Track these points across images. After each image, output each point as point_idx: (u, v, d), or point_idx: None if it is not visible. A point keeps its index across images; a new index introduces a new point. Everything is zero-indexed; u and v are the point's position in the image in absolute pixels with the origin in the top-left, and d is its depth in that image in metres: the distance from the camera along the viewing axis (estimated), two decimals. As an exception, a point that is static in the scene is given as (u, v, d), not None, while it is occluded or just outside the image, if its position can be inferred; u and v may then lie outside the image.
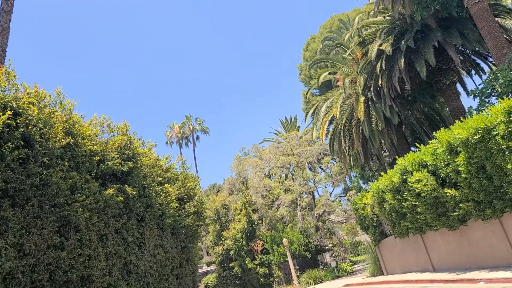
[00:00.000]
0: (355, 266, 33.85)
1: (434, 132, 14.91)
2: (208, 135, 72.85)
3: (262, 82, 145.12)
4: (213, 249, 36.19)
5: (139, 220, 11.44)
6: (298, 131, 43.90)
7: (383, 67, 20.87)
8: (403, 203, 16.82)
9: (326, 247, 33.60)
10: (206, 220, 16.59)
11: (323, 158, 34.81)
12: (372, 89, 22.98)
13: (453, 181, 14.02)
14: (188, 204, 14.43)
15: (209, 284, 37.20)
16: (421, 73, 20.02)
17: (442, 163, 14.35)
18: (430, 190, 14.90)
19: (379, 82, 21.63)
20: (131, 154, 11.01)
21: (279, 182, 39.86)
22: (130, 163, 10.70)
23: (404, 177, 16.48)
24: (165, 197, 12.90)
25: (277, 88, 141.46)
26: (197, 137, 72.01)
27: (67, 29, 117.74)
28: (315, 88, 33.49)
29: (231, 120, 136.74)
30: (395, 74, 20.82)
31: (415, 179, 15.34)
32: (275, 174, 38.63)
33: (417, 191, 15.41)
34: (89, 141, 9.65)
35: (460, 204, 13.85)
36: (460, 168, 13.17)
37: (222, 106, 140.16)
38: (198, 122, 72.07)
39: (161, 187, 12.77)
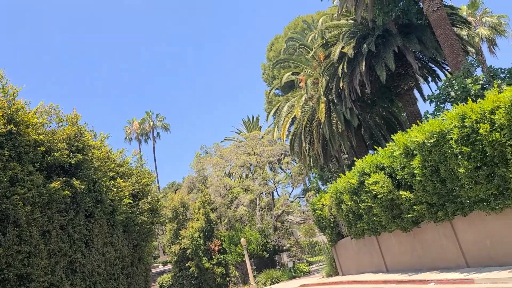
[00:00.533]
0: (311, 266, 34.08)
1: (392, 136, 15.12)
2: (168, 132, 71.57)
3: (226, 81, 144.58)
4: (170, 248, 35.44)
5: (87, 216, 10.82)
6: (260, 131, 43.83)
7: (345, 69, 21.07)
8: (360, 205, 16.97)
9: (284, 248, 33.67)
10: (162, 218, 16.03)
11: (283, 158, 34.86)
12: (333, 91, 23.16)
13: (408, 183, 14.24)
14: (143, 201, 13.85)
15: (164, 284, 36.40)
16: (381, 77, 20.35)
17: (398, 166, 14.56)
18: (386, 192, 15.10)
19: (341, 84, 21.82)
20: (81, 146, 10.38)
21: (239, 182, 39.62)
22: (79, 155, 10.08)
23: (362, 178, 16.63)
24: (117, 192, 12.27)
25: (240, 87, 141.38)
26: (158, 134, 70.60)
27: (19, 17, 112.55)
28: (277, 88, 33.53)
29: (192, 118, 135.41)
30: (356, 77, 21.06)
31: (372, 180, 15.49)
32: (235, 173, 38.35)
33: (374, 192, 15.57)
34: (34, 130, 8.98)
35: (414, 207, 14.07)
36: (415, 171, 13.36)
37: (184, 103, 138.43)
38: (159, 118, 70.64)
39: (113, 182, 12.15)
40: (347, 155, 28.90)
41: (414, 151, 13.45)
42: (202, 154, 43.17)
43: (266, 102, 37.73)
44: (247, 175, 41.36)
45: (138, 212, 13.55)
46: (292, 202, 36.37)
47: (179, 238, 34.16)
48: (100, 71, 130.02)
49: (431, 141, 12.26)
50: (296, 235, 44.15)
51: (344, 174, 18.31)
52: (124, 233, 12.99)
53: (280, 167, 35.97)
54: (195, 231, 33.35)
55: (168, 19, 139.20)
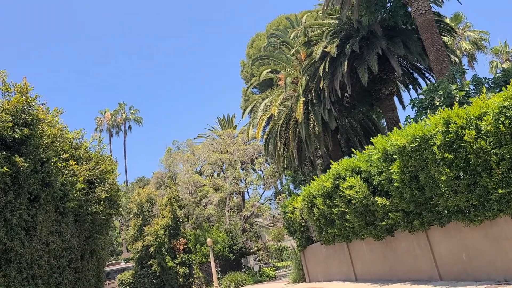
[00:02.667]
0: (278, 271, 33.27)
1: (369, 141, 14.49)
2: (141, 126, 69.81)
3: (202, 77, 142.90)
4: (133, 244, 33.96)
5: (31, 200, 9.56)
6: (235, 129, 42.83)
7: (326, 69, 20.43)
8: (333, 209, 16.52)
9: (251, 250, 32.73)
10: (121, 209, 14.76)
11: (256, 159, 33.99)
12: (313, 91, 22.50)
13: (385, 189, 13.68)
14: (99, 188, 12.60)
15: (124, 282, 34.85)
16: (363, 80, 19.80)
17: (376, 171, 13.98)
18: (361, 197, 14.52)
19: (321, 84, 21.17)
20: (29, 119, 9.13)
21: (210, 180, 38.51)
22: (25, 129, 8.84)
23: (337, 182, 16.13)
24: (70, 176, 11.03)
25: (218, 85, 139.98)
26: (129, 126, 68.70)
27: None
28: (255, 87, 32.70)
29: (166, 113, 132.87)
30: (337, 78, 20.45)
31: (347, 184, 14.96)
32: (206, 171, 37.21)
33: (348, 197, 15.09)
34: (-31, 94, 7.72)
35: (390, 214, 13.51)
36: (393, 177, 12.75)
37: (158, 97, 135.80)
38: (132, 111, 68.74)
39: (65, 164, 10.90)
40: (321, 160, 28.28)
41: (394, 156, 12.86)
42: (173, 150, 41.85)
43: (242, 99, 36.84)
44: (218, 174, 40.27)
45: (93, 201, 12.31)
46: (262, 204, 35.51)
47: (143, 234, 32.77)
48: (76, 60, 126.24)
49: (413, 145, 11.63)
50: (264, 239, 43.38)
51: (316, 178, 17.72)
52: (76, 222, 11.74)
53: (253, 168, 35.07)
54: (160, 228, 32.03)
55: (146, 10, 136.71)
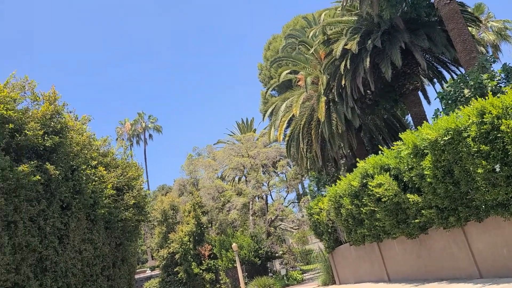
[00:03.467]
0: (305, 274, 32.80)
1: (393, 139, 14.07)
2: (160, 134, 70.32)
3: (220, 83, 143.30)
4: (158, 252, 34.07)
5: (63, 207, 9.52)
6: (255, 133, 42.66)
7: (348, 66, 20.06)
8: (362, 209, 16.13)
9: (277, 254, 32.38)
10: (149, 215, 14.68)
11: (278, 162, 33.69)
12: (334, 89, 22.16)
13: (416, 186, 13.24)
14: (128, 194, 12.54)
15: (151, 290, 34.97)
16: (386, 75, 19.36)
17: (405, 167, 13.58)
18: (391, 195, 14.12)
19: (343, 82, 20.81)
20: (58, 127, 9.11)
21: (232, 185, 38.37)
22: (55, 137, 8.80)
23: (365, 181, 15.77)
24: (99, 183, 10.99)
25: (235, 89, 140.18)
26: (150, 135, 69.31)
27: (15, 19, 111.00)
28: (274, 89, 32.46)
29: (185, 120, 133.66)
30: (359, 74, 20.07)
31: (376, 183, 14.58)
32: (228, 176, 37.09)
33: (378, 196, 14.69)
34: (3, 105, 7.72)
35: (422, 211, 13.07)
36: (425, 172, 12.31)
37: (177, 105, 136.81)
38: (151, 120, 69.34)
39: (94, 171, 10.85)
40: (345, 160, 27.83)
41: (425, 150, 12.44)
42: (194, 156, 41.90)
43: (261, 102, 36.65)
44: (240, 179, 40.11)
45: (122, 208, 12.25)
46: (286, 207, 35.15)
47: (168, 242, 32.81)
48: (93, 71, 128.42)
49: (445, 138, 11.19)
50: (288, 243, 42.92)
51: (344, 177, 17.37)
52: (106, 230, 11.69)
53: (275, 171, 34.77)
54: (185, 235, 32.01)
55: (162, 19, 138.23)
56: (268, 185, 34.16)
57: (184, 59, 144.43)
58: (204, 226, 33.23)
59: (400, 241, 15.52)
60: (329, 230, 20.48)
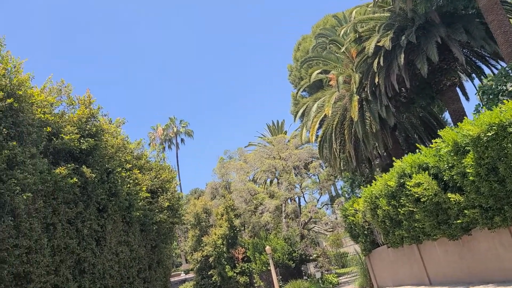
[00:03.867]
0: (340, 278, 32.17)
1: (438, 132, 13.52)
2: (192, 139, 70.97)
3: (250, 86, 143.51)
4: (192, 255, 34.23)
5: (100, 210, 9.59)
6: (286, 135, 42.36)
7: (381, 63, 19.52)
8: (399, 210, 15.62)
9: (311, 257, 31.90)
10: (183, 218, 14.72)
11: (311, 163, 33.22)
12: (367, 88, 21.65)
13: (457, 185, 12.65)
14: (162, 197, 12.57)
15: (185, 293, 35.18)
16: (422, 71, 18.72)
17: (445, 165, 13.01)
18: (431, 195, 13.57)
19: (376, 80, 20.29)
20: (94, 130, 9.19)
21: (264, 188, 38.19)
22: (91, 140, 8.88)
23: (402, 180, 15.25)
24: (134, 185, 11.05)
25: (265, 92, 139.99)
26: (182, 140, 70.13)
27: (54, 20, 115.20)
28: (305, 90, 32.10)
29: (216, 124, 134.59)
30: (393, 72, 19.50)
31: (414, 182, 14.06)
32: (260, 178, 36.92)
33: (416, 196, 14.18)
34: (40, 109, 7.84)
35: (465, 211, 12.46)
36: (467, 170, 11.73)
37: (206, 109, 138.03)
38: (182, 124, 70.17)
39: (129, 173, 10.92)
40: (378, 160, 27.15)
41: (466, 148, 11.87)
42: (225, 159, 42.01)
43: (292, 104, 36.36)
44: (271, 181, 39.87)
45: (157, 210, 12.29)
46: (320, 209, 34.62)
47: (202, 245, 32.92)
48: (124, 77, 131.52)
49: (489, 134, 10.62)
50: (322, 245, 42.29)
51: (378, 178, 16.91)
52: (142, 232, 11.74)
53: (307, 173, 34.33)
54: (218, 238, 32.02)
55: (190, 23, 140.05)
56: (300, 187, 33.75)
57: (214, 63, 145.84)
58: (237, 229, 33.15)
59: (441, 243, 14.95)
60: (365, 232, 19.99)
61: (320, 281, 28.96)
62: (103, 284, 9.14)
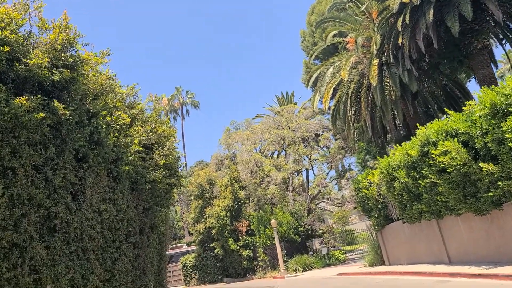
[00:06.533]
0: (346, 255, 30.94)
1: (458, 105, 11.79)
2: (198, 110, 69.32)
3: (258, 57, 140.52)
4: (194, 227, 33.07)
5: (78, 159, 8.04)
6: (296, 105, 40.49)
7: (407, 21, 17.59)
8: (420, 182, 14.48)
9: (317, 233, 30.62)
10: (182, 179, 13.17)
11: (321, 135, 31.55)
12: (388, 51, 19.75)
13: (492, 153, 11.18)
14: (157, 153, 11.00)
15: (187, 264, 34.23)
16: (453, 29, 16.77)
17: (478, 131, 11.45)
18: (459, 165, 12.16)
19: (399, 41, 18.39)
20: (70, 60, 7.55)
21: (271, 161, 36.70)
22: (66, 71, 7.26)
23: (425, 149, 13.97)
24: (123, 136, 9.47)
25: (274, 63, 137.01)
26: (187, 111, 68.48)
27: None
28: (318, 57, 30.19)
29: (222, 96, 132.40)
30: (419, 31, 17.58)
31: (440, 151, 12.65)
32: (267, 150, 35.37)
33: (441, 166, 12.97)
34: (-5, 24, 6.18)
35: (498, 183, 11.08)
36: (506, 136, 10.24)
37: (213, 80, 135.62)
38: (188, 95, 68.42)
39: (115, 117, 9.31)
40: (395, 131, 25.37)
41: (508, 109, 10.25)
42: (232, 130, 40.48)
43: (304, 72, 34.41)
44: (279, 153, 38.39)
45: (151, 168, 10.75)
46: (329, 182, 33.09)
47: (205, 216, 31.68)
48: (130, 45, 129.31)
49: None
50: (327, 223, 41.11)
51: (397, 148, 15.51)
52: (132, 191, 10.23)
53: (317, 145, 32.66)
54: (222, 210, 30.71)
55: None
56: (309, 159, 32.15)
57: (221, 33, 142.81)
58: (242, 202, 31.77)
59: (466, 218, 13.78)
60: (379, 206, 18.88)
61: (326, 257, 27.77)
62: (80, 247, 7.69)
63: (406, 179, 14.94)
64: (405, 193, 15.39)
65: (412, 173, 14.46)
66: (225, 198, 31.36)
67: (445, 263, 15.06)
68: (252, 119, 43.91)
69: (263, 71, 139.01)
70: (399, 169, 15.55)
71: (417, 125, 15.46)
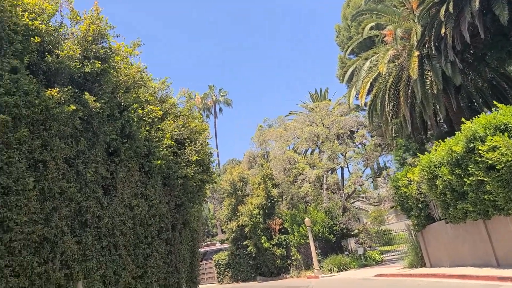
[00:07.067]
0: (383, 255, 30.00)
1: (506, 99, 10.93)
2: (231, 108, 69.41)
3: (291, 54, 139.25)
4: (227, 224, 32.97)
5: (110, 153, 7.88)
6: (330, 102, 39.68)
7: (450, 10, 16.67)
8: (465, 179, 13.69)
9: (352, 233, 29.82)
10: (214, 175, 12.90)
11: (357, 131, 30.68)
12: (430, 42, 18.82)
13: (549, 147, 10.21)
14: (190, 148, 10.76)
15: (220, 262, 34.19)
16: (501, 18, 15.74)
17: (532, 124, 10.61)
18: (510, 161, 11.33)
19: (442, 31, 17.46)
20: (102, 52, 7.38)
21: (304, 158, 36.11)
22: (97, 62, 7.09)
23: (471, 145, 13.21)
24: (155, 130, 9.27)
25: (307, 61, 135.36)
26: (220, 109, 68.68)
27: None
28: (353, 52, 29.32)
29: (255, 94, 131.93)
30: (464, 20, 16.61)
31: (488, 146, 11.91)
32: (300, 147, 34.77)
33: (490, 162, 12.17)
34: (28, 14, 6.07)
35: (557, 180, 10.05)
36: (563, 129, 9.30)
37: (246, 78, 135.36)
38: (221, 93, 68.61)
39: (146, 110, 9.10)
40: (436, 127, 24.21)
41: None
42: (264, 127, 40.14)
43: (339, 67, 33.59)
44: (312, 151, 37.70)
45: (183, 164, 10.53)
46: (365, 180, 32.16)
47: (237, 214, 31.51)
48: (164, 43, 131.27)
49: None
50: (363, 222, 40.14)
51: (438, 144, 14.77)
52: (164, 187, 10.03)
53: (352, 142, 31.80)
54: (254, 208, 30.41)
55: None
56: (344, 157, 31.32)
57: (253, 31, 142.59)
58: (275, 200, 31.38)
59: None
60: (420, 205, 18.10)
61: (362, 258, 26.99)
62: (111, 242, 7.55)
63: (449, 177, 14.26)
64: (449, 192, 14.71)
65: (457, 171, 13.79)
66: (258, 196, 31.05)
67: (492, 266, 14.23)
68: (285, 116, 43.47)
69: (296, 69, 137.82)
70: (442, 166, 14.90)
71: (462, 119, 14.61)
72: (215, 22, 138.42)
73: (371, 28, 23.76)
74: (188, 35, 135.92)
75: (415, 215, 18.62)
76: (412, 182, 18.32)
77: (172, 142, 10.00)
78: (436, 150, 15.93)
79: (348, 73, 24.22)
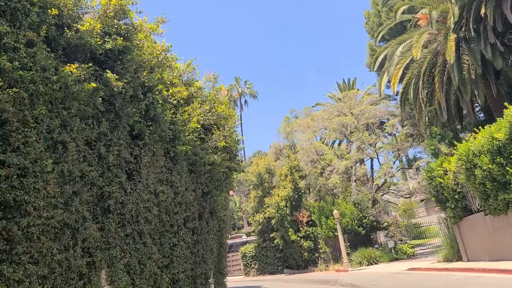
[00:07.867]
0: (414, 249, 29.01)
1: None
2: (256, 100, 68.86)
3: (318, 44, 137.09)
4: (254, 216, 32.61)
5: (133, 136, 7.49)
6: (359, 91, 38.57)
7: (491, -12, 15.62)
8: (508, 168, 12.81)
9: (382, 226, 28.92)
10: (242, 164, 12.43)
11: (387, 121, 29.61)
12: (468, 25, 17.74)
13: None
14: (218, 133, 10.30)
15: (246, 254, 33.92)
16: (548, -6, 14.62)
17: None
18: None
19: (482, 11, 16.40)
20: (123, 28, 6.97)
21: (332, 150, 35.27)
22: (119, 39, 6.67)
23: None
24: (180, 114, 8.85)
25: (334, 51, 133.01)
26: (245, 101, 68.27)
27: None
28: (383, 39, 28.20)
29: (280, 86, 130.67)
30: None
31: None
32: (328, 138, 33.95)
33: None
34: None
35: None
36: None
37: (271, 70, 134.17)
38: (247, 85, 68.17)
39: (172, 91, 8.66)
40: (472, 114, 23.00)
41: None
42: (291, 118, 39.52)
43: (368, 55, 32.48)
44: (340, 142, 36.81)
45: (210, 150, 10.08)
46: (396, 171, 31.08)
47: (264, 206, 31.07)
48: (192, 35, 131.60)
49: None
50: (392, 215, 39.07)
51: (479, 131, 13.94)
52: (190, 173, 9.61)
53: (382, 132, 30.75)
54: (281, 200, 29.87)
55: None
56: (374, 148, 30.32)
57: (280, 22, 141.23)
58: (302, 191, 30.72)
59: None
60: (456, 196, 17.25)
61: (393, 251, 26.12)
62: (136, 230, 7.18)
63: (490, 166, 13.54)
64: (489, 182, 14.00)
65: (498, 159, 13.09)
66: (284, 188, 30.50)
67: (538, 261, 13.31)
68: (312, 107, 42.64)
69: (322, 59, 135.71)
70: (482, 155, 14.06)
71: (506, 104, 13.63)
72: (240, 13, 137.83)
73: (403, 12, 22.70)
74: (212, 27, 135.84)
75: (451, 207, 17.76)
76: (448, 172, 17.47)
77: (198, 126, 9.55)
78: (475, 138, 15.06)
79: (379, 59, 23.26)
